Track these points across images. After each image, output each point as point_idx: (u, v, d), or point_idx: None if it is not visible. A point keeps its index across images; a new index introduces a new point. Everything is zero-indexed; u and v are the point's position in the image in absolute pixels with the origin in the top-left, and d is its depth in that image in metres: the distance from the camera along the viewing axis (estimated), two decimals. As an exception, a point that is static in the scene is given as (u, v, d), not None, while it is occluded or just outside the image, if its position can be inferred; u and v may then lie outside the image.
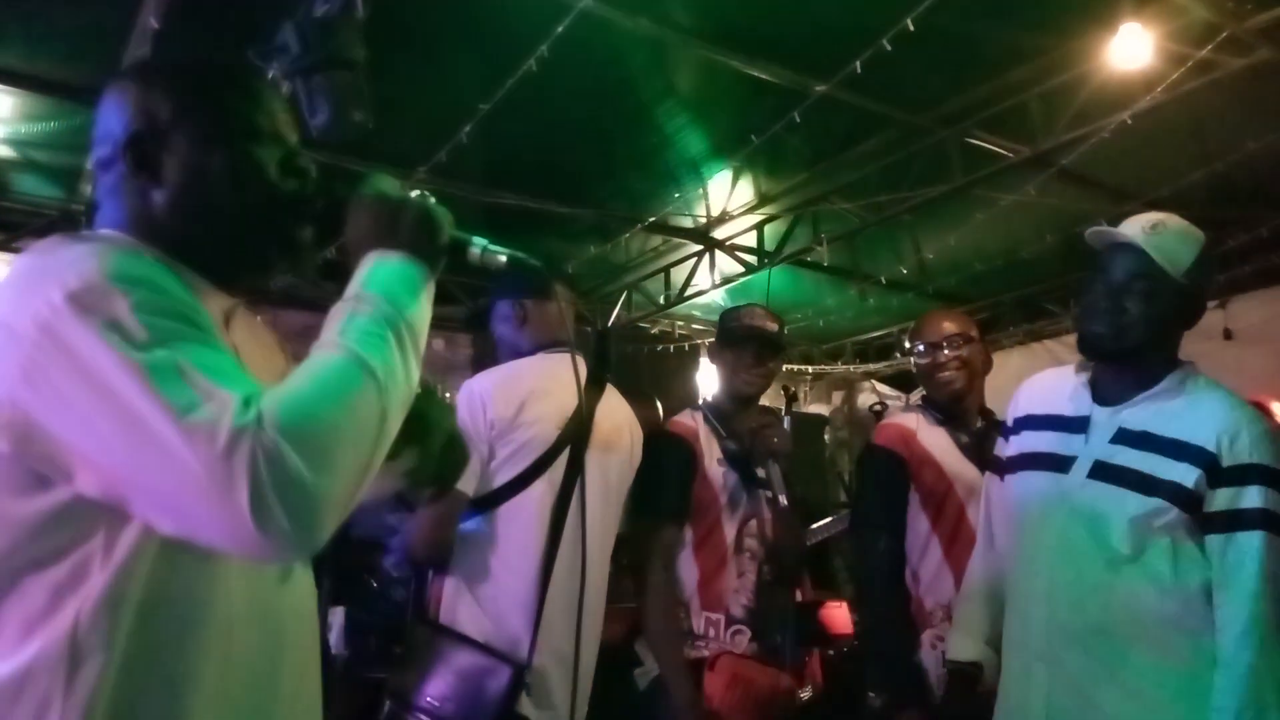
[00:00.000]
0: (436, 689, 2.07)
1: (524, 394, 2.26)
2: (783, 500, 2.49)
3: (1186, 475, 1.80)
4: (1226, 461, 1.79)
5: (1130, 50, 3.20)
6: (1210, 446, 1.80)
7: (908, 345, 2.80)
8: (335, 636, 2.76)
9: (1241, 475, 1.79)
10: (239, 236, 1.13)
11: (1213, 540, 1.79)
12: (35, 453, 0.93)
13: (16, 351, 0.91)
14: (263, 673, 1.07)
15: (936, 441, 2.64)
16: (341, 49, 2.72)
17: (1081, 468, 1.92)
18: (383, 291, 1.02)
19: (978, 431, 2.67)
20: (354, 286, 1.03)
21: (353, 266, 1.07)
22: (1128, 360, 1.94)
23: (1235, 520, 1.78)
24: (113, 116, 1.13)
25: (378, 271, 1.05)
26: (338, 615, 2.76)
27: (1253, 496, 1.78)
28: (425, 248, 1.10)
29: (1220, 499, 1.79)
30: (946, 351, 2.65)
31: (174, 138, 1.10)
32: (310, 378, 0.93)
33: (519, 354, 2.43)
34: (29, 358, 0.91)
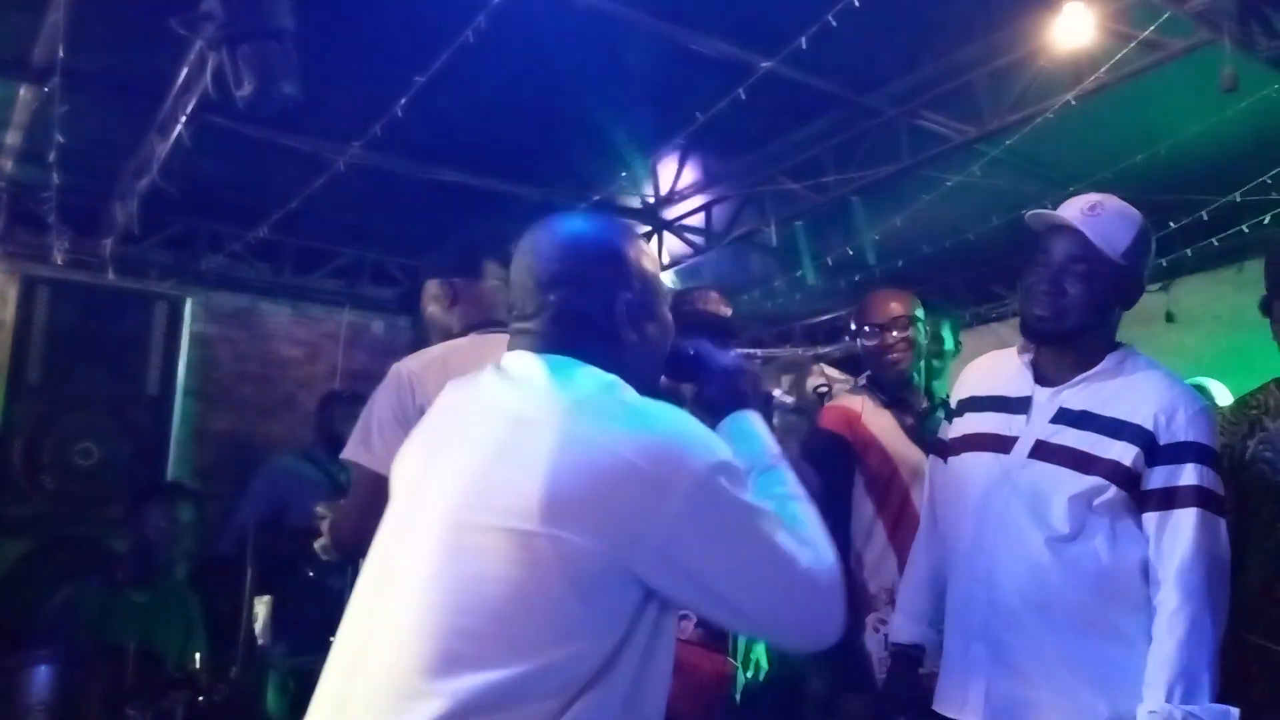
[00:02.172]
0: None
1: (454, 377, 2.19)
2: None
3: (1125, 453, 1.83)
4: (1163, 440, 1.82)
5: (1073, 30, 3.20)
6: (1148, 425, 1.83)
7: (854, 326, 2.78)
8: (260, 627, 2.70)
9: (1177, 453, 1.82)
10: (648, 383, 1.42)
11: (1149, 517, 1.83)
12: (658, 573, 1.20)
13: (668, 499, 1.17)
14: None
15: (882, 424, 2.64)
16: (269, 17, 2.62)
17: (1023, 448, 1.94)
18: (777, 448, 1.49)
19: (922, 413, 2.67)
20: (771, 447, 1.47)
21: (719, 411, 1.51)
22: (1068, 342, 1.96)
23: (1171, 497, 1.81)
24: (608, 269, 1.40)
25: (765, 432, 1.51)
26: (264, 605, 2.70)
27: (1188, 474, 1.81)
28: (762, 407, 1.59)
29: (1157, 476, 1.82)
30: (894, 333, 2.64)
31: (656, 302, 1.44)
32: (818, 523, 1.33)
33: (449, 335, 2.36)
34: (687, 507, 1.18)
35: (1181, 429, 1.82)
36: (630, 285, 1.40)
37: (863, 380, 2.80)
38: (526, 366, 1.33)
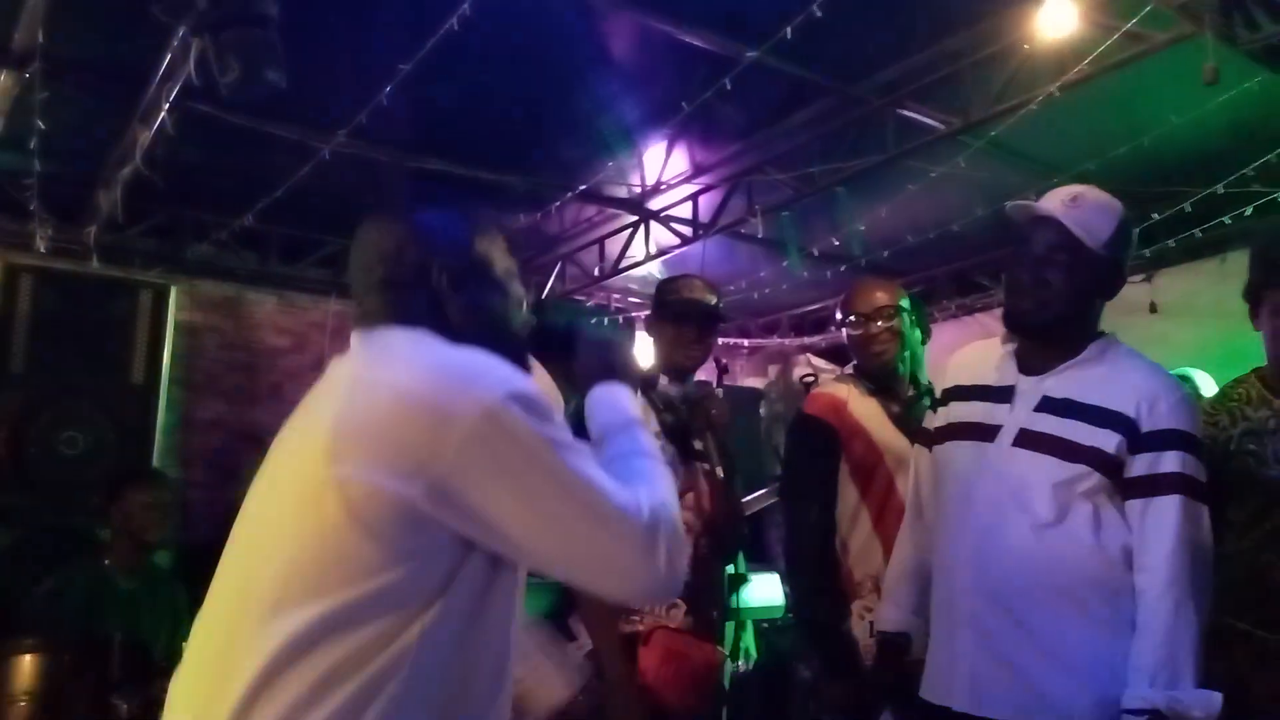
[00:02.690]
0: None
1: None
2: (719, 473, 2.46)
3: (1108, 441, 1.84)
4: (1146, 427, 1.83)
5: (1057, 21, 3.22)
6: (1130, 412, 1.84)
7: (839, 316, 2.78)
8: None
9: (1160, 441, 1.83)
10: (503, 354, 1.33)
11: (1132, 504, 1.84)
12: (445, 511, 1.14)
13: (450, 429, 1.13)
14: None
15: (867, 412, 2.64)
16: (252, 4, 2.61)
17: (1007, 436, 1.94)
18: (637, 414, 1.43)
19: (908, 401, 2.68)
20: (628, 412, 1.42)
21: (589, 385, 1.47)
22: (1051, 332, 1.96)
23: (1154, 484, 1.82)
24: (422, 242, 1.38)
25: (627, 400, 1.45)
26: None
27: (1170, 461, 1.82)
28: (635, 381, 1.53)
29: (1140, 464, 1.83)
30: (880, 323, 2.65)
31: (484, 272, 1.40)
32: (660, 477, 1.29)
33: None
34: (471, 439, 1.13)
35: (1164, 416, 1.83)
36: (449, 254, 1.39)
37: (848, 369, 2.81)
38: (353, 340, 1.38)
